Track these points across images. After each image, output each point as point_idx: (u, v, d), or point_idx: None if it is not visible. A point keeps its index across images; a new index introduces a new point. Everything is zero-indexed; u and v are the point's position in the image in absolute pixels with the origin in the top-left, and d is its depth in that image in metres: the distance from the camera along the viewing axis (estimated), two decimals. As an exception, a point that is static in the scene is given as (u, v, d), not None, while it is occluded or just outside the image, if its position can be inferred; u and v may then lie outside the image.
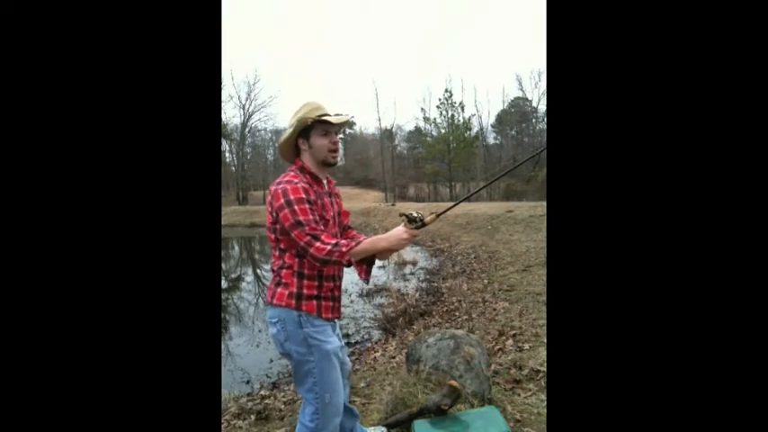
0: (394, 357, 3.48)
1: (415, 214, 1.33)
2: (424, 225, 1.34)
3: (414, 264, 8.25)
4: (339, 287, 1.50)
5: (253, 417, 2.53)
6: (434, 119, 28.27)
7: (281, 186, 1.34)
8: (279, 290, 1.39)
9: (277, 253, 1.42)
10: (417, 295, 5.46)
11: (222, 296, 7.05)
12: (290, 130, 1.42)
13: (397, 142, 37.13)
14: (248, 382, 3.65)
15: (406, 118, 64.11)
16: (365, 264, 1.41)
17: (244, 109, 31.94)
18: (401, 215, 1.34)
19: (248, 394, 3.24)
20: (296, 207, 1.30)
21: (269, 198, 1.38)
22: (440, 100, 27.52)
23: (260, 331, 5.06)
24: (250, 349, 4.50)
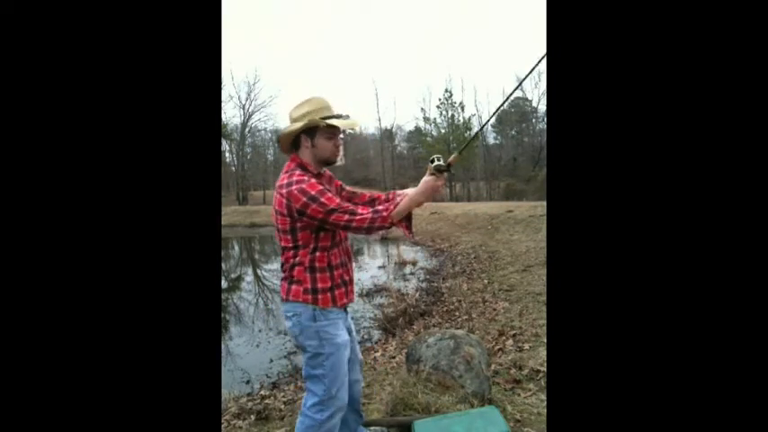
0: (394, 357, 3.48)
1: (442, 163, 1.40)
2: (450, 167, 1.41)
3: (414, 264, 8.25)
4: (348, 270, 1.53)
5: (253, 417, 2.53)
6: (434, 119, 28.20)
7: (295, 187, 1.36)
8: (293, 287, 1.43)
9: (290, 252, 1.44)
10: (417, 295, 5.47)
11: (222, 296, 7.05)
12: (297, 125, 1.42)
13: (397, 142, 37.10)
14: (248, 382, 3.65)
15: (406, 118, 63.85)
16: (405, 221, 1.44)
17: (244, 109, 31.86)
18: (429, 167, 1.41)
19: (248, 394, 3.24)
20: (322, 199, 1.34)
21: (280, 200, 1.39)
22: (440, 100, 27.44)
23: (260, 331, 5.07)
24: (250, 349, 4.50)
